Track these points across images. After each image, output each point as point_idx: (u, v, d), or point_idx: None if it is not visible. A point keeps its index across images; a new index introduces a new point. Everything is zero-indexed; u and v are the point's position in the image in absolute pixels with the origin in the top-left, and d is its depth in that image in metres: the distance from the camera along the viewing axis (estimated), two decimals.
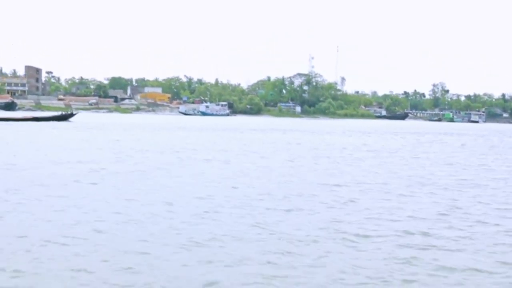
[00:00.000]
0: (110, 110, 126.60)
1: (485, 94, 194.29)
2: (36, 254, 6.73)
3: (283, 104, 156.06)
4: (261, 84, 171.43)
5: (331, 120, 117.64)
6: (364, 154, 24.07)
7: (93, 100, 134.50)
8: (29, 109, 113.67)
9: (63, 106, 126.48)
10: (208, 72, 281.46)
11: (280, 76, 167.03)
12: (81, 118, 58.33)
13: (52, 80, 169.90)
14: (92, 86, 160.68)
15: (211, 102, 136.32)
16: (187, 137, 33.53)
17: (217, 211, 9.63)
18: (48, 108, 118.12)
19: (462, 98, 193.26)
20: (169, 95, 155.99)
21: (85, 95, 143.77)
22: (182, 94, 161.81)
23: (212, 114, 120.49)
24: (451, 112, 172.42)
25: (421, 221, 9.28)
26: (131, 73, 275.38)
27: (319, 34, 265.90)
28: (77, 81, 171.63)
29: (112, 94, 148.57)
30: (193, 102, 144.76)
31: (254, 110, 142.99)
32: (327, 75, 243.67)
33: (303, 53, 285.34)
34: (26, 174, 13.60)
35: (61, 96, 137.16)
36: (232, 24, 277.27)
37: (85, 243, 7.27)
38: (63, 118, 53.17)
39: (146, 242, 7.41)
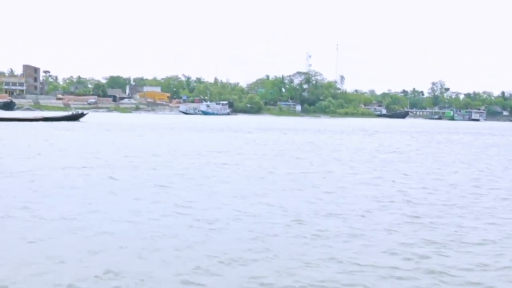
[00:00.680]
0: (109, 110, 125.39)
1: (484, 92, 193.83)
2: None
3: (283, 103, 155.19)
4: (260, 82, 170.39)
5: (333, 119, 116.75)
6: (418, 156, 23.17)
7: (92, 99, 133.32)
8: (27, 109, 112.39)
9: (62, 105, 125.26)
10: (207, 71, 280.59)
11: (279, 75, 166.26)
12: (91, 118, 57.20)
13: (50, 79, 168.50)
14: (90, 86, 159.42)
15: (211, 101, 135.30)
16: (207, 138, 32.38)
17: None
18: (47, 108, 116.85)
19: (462, 96, 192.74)
20: (168, 94, 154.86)
21: (83, 95, 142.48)
22: (181, 93, 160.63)
23: (213, 114, 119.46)
24: (451, 110, 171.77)
25: None
26: (129, 72, 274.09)
27: (318, 33, 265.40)
28: (75, 80, 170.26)
29: (111, 93, 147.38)
30: (192, 101, 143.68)
31: (254, 109, 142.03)
32: (326, 74, 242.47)
33: (302, 52, 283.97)
34: (148, 174, 12.67)
35: (60, 96, 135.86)
36: (231, 24, 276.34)
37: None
38: (74, 118, 52.13)
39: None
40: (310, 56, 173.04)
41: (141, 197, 10.62)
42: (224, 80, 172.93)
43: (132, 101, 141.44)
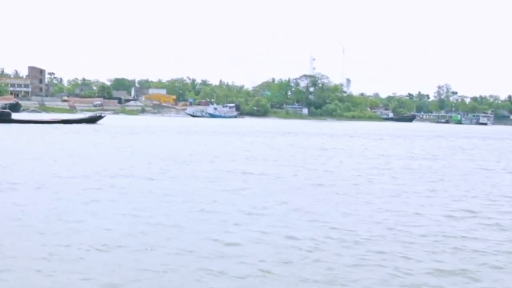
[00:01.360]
0: (115, 112, 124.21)
1: (491, 96, 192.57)
2: None
3: (289, 106, 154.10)
4: (266, 85, 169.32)
5: (340, 122, 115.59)
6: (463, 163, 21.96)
7: (97, 101, 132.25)
8: (33, 111, 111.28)
9: (67, 107, 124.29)
10: (209, 72, 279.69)
11: (283, 77, 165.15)
12: (108, 121, 56.03)
13: (55, 81, 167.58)
14: (94, 88, 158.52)
15: (217, 103, 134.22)
16: (233, 142, 31.22)
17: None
18: (52, 110, 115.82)
19: (468, 100, 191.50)
20: (174, 97, 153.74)
21: (88, 97, 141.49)
22: (187, 95, 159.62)
23: (220, 116, 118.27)
24: (458, 114, 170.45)
25: None
26: (133, 74, 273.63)
27: (320, 34, 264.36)
28: (79, 82, 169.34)
29: (116, 95, 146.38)
30: (199, 104, 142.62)
31: (261, 112, 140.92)
32: (331, 77, 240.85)
33: (305, 54, 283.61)
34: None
35: (65, 98, 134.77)
36: (233, 24, 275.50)
37: None
38: (92, 120, 51.06)
39: None
40: (314, 59, 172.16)
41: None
42: (229, 83, 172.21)
43: (138, 103, 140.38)
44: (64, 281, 5.70)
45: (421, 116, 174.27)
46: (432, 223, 9.14)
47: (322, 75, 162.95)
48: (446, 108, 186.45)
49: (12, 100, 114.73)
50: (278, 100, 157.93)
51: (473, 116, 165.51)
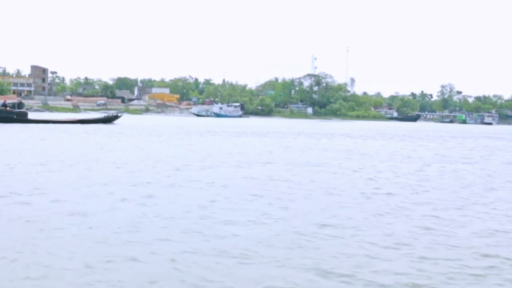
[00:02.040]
0: (119, 111, 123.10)
1: (494, 96, 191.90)
2: None
3: (293, 105, 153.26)
4: (269, 84, 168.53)
5: (346, 122, 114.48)
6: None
7: (101, 100, 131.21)
8: (36, 110, 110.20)
9: (71, 107, 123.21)
10: (212, 71, 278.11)
11: (286, 76, 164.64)
12: (124, 120, 54.87)
13: (57, 80, 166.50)
14: (97, 87, 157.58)
15: (222, 103, 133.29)
16: (266, 144, 30.20)
17: None
18: (56, 109, 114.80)
19: (471, 100, 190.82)
20: (178, 96, 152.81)
21: (92, 96, 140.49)
22: (190, 94, 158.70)
23: (226, 116, 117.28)
24: (463, 114, 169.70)
25: None
26: (135, 73, 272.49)
27: (324, 34, 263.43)
28: (81, 81, 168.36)
29: (119, 94, 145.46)
30: (203, 103, 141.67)
31: (265, 112, 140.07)
32: (334, 76, 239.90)
33: (308, 53, 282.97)
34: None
35: (69, 97, 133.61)
36: (235, 23, 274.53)
37: None
38: (108, 120, 49.96)
39: None
40: (315, 59, 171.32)
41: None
42: (232, 82, 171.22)
43: (142, 102, 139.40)
44: None
45: (425, 115, 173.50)
46: None
47: (326, 74, 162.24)
48: (449, 108, 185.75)
49: (15, 99, 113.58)
50: (282, 99, 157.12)
51: (478, 115, 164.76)
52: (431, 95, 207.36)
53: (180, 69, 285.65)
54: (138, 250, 6.86)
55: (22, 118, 43.15)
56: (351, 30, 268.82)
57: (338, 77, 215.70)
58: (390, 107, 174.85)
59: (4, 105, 45.73)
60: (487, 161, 22.89)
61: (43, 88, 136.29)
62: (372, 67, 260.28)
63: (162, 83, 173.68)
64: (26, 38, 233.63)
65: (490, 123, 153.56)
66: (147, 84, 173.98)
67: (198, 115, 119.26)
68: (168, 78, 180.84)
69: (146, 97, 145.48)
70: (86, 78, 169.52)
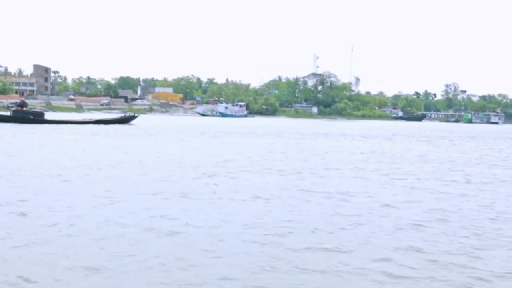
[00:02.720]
0: (123, 111, 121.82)
1: (499, 95, 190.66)
2: None
3: (298, 104, 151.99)
4: (273, 84, 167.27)
5: (353, 122, 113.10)
6: None
7: (104, 100, 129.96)
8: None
9: (74, 106, 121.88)
10: (215, 70, 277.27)
11: (290, 76, 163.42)
12: (141, 121, 53.32)
13: (59, 79, 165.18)
14: (99, 86, 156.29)
15: (226, 102, 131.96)
16: (294, 144, 28.81)
17: None
18: (59, 109, 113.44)
19: (476, 99, 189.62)
20: (181, 95, 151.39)
21: (94, 95, 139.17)
22: (194, 94, 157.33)
23: (231, 115, 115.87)
24: (469, 113, 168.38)
25: None
26: (137, 73, 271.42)
27: (328, 33, 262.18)
28: (84, 80, 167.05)
29: (122, 94, 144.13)
30: (207, 103, 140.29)
31: (270, 111, 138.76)
32: (338, 75, 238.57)
33: (311, 53, 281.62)
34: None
35: (72, 96, 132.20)
36: (238, 21, 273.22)
37: None
38: (125, 120, 48.62)
39: None
40: (317, 58, 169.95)
41: None
42: (236, 81, 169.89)
43: (145, 102, 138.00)
44: None
45: (430, 115, 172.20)
46: None
47: (330, 74, 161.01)
48: (454, 107, 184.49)
49: (18, 99, 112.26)
50: (286, 98, 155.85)
51: (484, 115, 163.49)
52: (434, 94, 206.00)
53: (183, 68, 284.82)
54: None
55: (39, 119, 41.80)
56: (353, 29, 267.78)
57: (341, 76, 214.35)
58: (394, 106, 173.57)
59: (21, 105, 44.19)
60: None
61: (46, 88, 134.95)
62: (374, 66, 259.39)
63: (165, 83, 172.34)
64: (28, 38, 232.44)
65: (497, 123, 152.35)
66: (150, 84, 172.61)
67: (203, 115, 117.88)
68: (170, 77, 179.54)
69: (150, 97, 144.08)
70: (88, 78, 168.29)
